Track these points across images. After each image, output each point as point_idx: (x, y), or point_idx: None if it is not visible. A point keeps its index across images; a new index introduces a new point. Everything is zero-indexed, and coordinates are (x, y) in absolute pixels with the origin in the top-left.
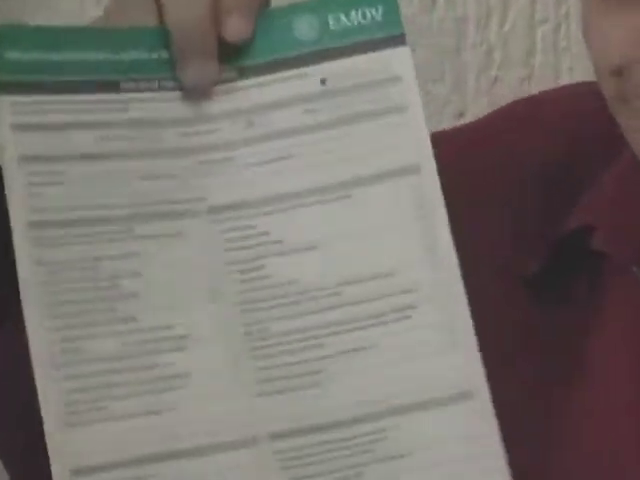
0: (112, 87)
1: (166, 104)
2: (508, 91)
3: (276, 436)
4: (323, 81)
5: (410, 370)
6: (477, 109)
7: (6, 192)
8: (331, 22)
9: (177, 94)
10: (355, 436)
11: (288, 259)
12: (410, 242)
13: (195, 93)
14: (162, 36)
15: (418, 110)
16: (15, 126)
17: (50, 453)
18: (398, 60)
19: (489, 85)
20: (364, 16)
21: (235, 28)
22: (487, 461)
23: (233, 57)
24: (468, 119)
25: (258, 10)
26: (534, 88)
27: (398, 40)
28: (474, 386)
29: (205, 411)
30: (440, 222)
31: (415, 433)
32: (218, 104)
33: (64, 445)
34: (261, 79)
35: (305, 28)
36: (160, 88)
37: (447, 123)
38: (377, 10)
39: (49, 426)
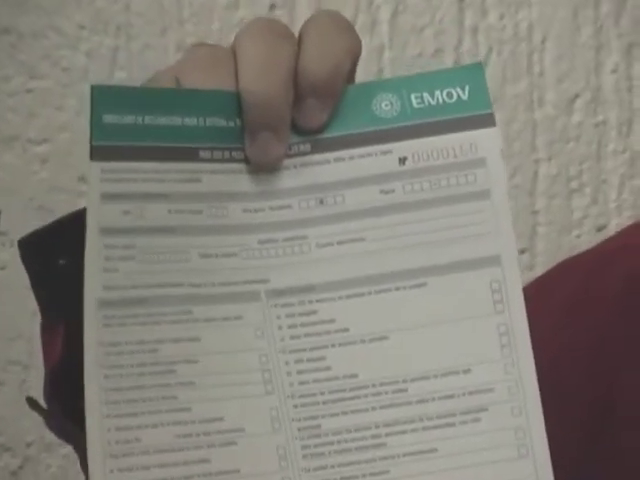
0: (192, 155)
1: (235, 176)
2: None
3: None
4: (402, 160)
5: (478, 478)
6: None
7: (85, 266)
8: (414, 101)
9: (246, 166)
10: None
11: (352, 350)
12: (486, 339)
13: (263, 167)
14: (239, 102)
15: (502, 197)
16: (104, 195)
17: None
18: (485, 141)
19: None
20: (450, 96)
21: (309, 115)
22: None
23: None
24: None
25: (340, 95)
26: None
27: (486, 120)
28: None
29: None
30: (519, 319)
31: None
32: (288, 179)
33: None
34: (335, 154)
35: (385, 105)
36: (231, 159)
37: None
38: (463, 90)
39: None
